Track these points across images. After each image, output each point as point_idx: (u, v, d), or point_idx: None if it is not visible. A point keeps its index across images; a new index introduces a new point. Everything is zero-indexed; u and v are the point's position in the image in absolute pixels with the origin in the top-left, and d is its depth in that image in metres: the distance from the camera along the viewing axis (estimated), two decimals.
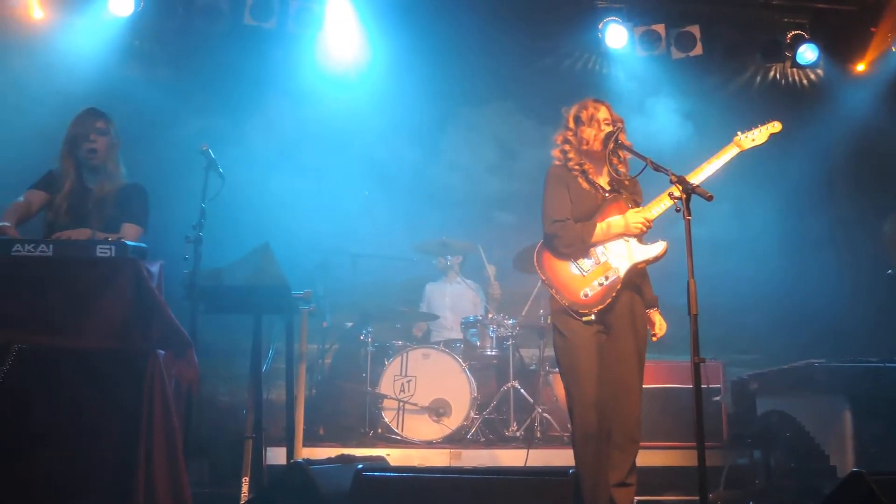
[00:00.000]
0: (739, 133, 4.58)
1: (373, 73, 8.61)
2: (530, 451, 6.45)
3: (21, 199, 4.79)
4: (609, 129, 4.55)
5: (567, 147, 4.67)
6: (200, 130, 7.63)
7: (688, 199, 4.00)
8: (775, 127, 4.61)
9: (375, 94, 8.58)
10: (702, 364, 3.80)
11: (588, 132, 4.58)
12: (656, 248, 4.53)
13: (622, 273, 4.49)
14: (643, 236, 4.57)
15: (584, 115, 4.60)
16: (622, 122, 4.61)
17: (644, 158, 4.29)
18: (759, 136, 4.58)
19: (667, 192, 4.35)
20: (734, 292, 8.23)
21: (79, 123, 4.97)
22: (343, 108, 8.53)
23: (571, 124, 4.66)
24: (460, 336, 7.96)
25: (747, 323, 8.54)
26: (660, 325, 4.62)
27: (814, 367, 5.45)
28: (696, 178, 4.38)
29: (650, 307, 4.65)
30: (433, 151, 9.35)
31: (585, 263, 4.53)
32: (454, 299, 8.47)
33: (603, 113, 4.60)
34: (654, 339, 4.60)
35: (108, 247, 3.96)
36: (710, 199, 3.98)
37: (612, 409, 4.41)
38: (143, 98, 7.88)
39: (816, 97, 8.97)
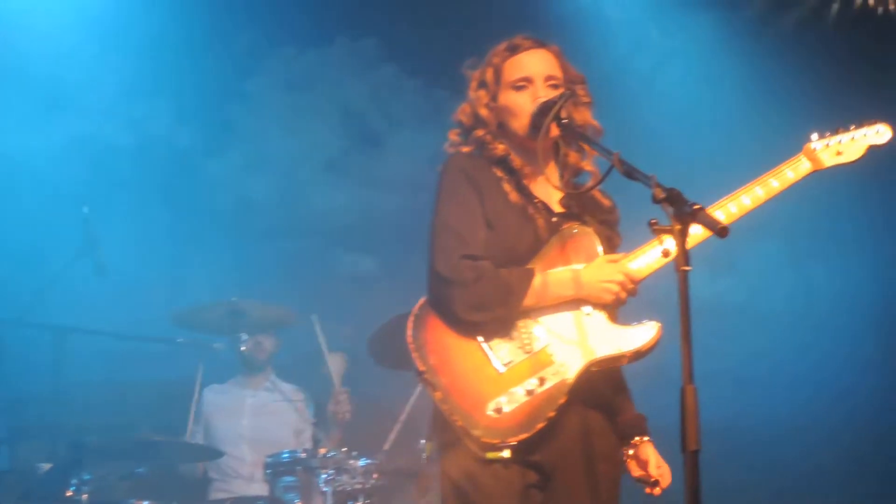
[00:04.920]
0: (814, 138, 4.54)
1: None
2: None
3: None
4: (547, 96, 4.33)
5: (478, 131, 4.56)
6: None
7: (682, 233, 3.63)
8: (880, 134, 4.60)
9: (103, 19, 8.80)
10: None
11: (513, 99, 4.45)
12: (642, 335, 4.29)
13: (571, 374, 4.22)
14: (618, 308, 4.38)
15: (507, 69, 4.51)
16: (583, 81, 4.53)
17: (607, 153, 3.99)
18: (849, 147, 4.58)
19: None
20: (782, 410, 8.53)
21: None
22: (38, 41, 8.64)
23: (489, 77, 4.55)
24: (265, 490, 7.69)
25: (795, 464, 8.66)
26: (656, 464, 4.43)
27: None
28: (730, 208, 4.29)
29: (633, 434, 4.49)
30: (217, 133, 9.57)
31: (504, 348, 4.27)
32: (257, 420, 8.45)
33: (538, 65, 4.45)
34: (656, 492, 4.42)
35: None
36: (722, 233, 3.63)
37: None
38: None
39: None
